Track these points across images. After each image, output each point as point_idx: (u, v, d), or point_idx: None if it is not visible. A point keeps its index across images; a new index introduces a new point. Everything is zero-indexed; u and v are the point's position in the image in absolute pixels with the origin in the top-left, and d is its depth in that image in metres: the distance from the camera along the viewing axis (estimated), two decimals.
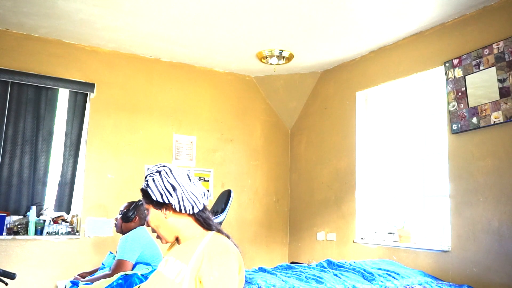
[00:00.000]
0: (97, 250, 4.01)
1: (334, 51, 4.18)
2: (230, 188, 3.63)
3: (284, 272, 2.98)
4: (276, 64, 4.35)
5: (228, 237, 1.52)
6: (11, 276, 2.32)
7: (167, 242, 1.55)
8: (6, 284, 2.36)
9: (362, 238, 4.11)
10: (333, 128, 4.57)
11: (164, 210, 1.49)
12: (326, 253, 4.45)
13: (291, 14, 3.41)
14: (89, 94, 4.17)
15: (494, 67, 3.07)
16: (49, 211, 4.00)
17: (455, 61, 3.35)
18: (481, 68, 3.16)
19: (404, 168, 3.95)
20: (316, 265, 3.26)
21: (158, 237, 1.54)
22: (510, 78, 2.98)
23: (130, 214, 2.98)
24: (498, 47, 3.06)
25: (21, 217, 3.84)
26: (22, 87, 3.91)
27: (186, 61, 4.59)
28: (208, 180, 4.68)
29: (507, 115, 2.97)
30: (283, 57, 4.20)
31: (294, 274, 2.90)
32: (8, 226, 3.74)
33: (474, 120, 3.18)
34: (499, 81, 3.03)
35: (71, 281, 2.80)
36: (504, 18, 3.09)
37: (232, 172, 4.84)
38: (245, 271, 2.82)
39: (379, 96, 4.25)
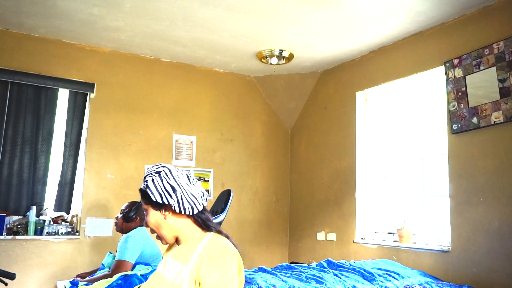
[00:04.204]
0: (97, 250, 4.01)
1: (334, 51, 4.18)
2: (230, 188, 3.63)
3: (284, 272, 2.98)
4: (276, 64, 4.35)
5: (227, 237, 1.51)
6: (11, 276, 2.32)
7: (167, 243, 1.54)
8: (6, 284, 2.36)
9: (362, 238, 4.11)
10: (333, 128, 4.57)
11: (164, 211, 1.48)
12: (326, 253, 4.44)
13: (291, 14, 3.40)
14: (89, 94, 4.17)
15: (494, 67, 3.07)
16: (49, 211, 4.00)
17: (455, 61, 3.35)
18: (481, 68, 3.15)
19: (404, 168, 3.95)
20: (316, 265, 3.26)
21: (158, 237, 1.53)
22: (510, 78, 2.97)
23: (132, 214, 2.98)
24: (498, 47, 3.06)
25: (21, 217, 3.84)
26: (22, 87, 3.91)
27: (186, 61, 4.59)
28: (208, 180, 4.67)
29: (507, 115, 2.97)
30: (283, 57, 4.20)
31: (294, 274, 2.90)
32: (8, 226, 3.74)
33: (474, 120, 3.18)
34: (499, 81, 3.03)
35: (70, 282, 2.80)
36: (504, 18, 3.08)
37: (232, 172, 4.83)
38: (245, 271, 2.82)
39: (379, 96, 4.24)
